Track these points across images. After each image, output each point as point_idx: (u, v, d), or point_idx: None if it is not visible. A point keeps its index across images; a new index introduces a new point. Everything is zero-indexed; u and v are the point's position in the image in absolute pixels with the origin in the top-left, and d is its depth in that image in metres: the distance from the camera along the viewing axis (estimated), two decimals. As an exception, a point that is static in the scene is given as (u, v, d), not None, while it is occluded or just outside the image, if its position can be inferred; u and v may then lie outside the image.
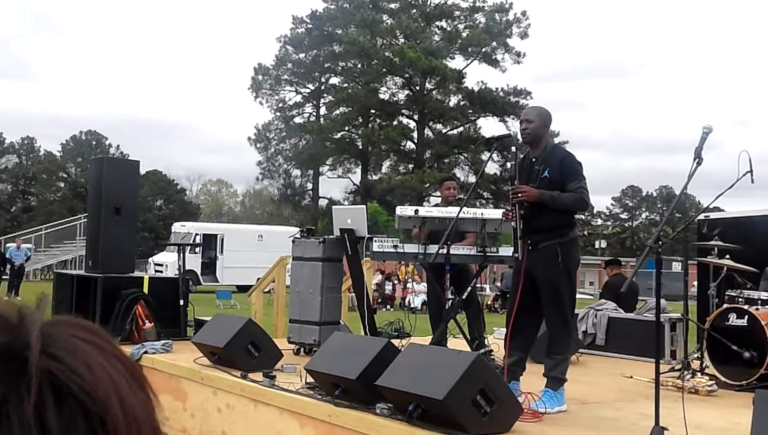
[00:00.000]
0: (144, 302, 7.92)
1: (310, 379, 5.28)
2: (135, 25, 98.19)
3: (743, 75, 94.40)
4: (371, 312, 7.45)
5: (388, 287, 25.82)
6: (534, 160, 5.24)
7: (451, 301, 6.58)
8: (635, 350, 7.74)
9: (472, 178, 44.14)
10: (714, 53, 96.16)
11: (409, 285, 23.33)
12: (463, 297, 6.83)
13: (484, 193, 46.23)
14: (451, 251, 6.36)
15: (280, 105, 51.64)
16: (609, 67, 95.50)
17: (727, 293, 6.97)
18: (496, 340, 7.46)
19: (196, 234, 30.97)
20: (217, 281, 30.74)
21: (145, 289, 8.19)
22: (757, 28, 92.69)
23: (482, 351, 6.54)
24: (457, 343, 7.12)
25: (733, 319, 6.41)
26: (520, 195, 5.08)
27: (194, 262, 29.45)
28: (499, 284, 24.64)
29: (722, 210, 9.03)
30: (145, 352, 7.07)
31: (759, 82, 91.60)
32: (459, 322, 6.98)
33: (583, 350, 7.90)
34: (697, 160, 4.25)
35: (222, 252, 31.64)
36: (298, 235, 7.70)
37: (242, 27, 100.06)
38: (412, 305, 20.23)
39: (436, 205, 7.84)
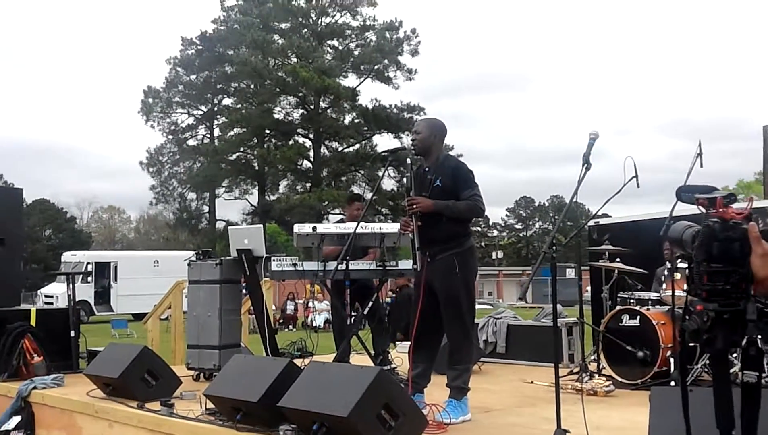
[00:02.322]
0: (31, 335, 7.55)
1: (211, 405, 5.12)
2: (17, 46, 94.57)
3: (622, 86, 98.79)
4: (272, 333, 7.32)
5: (290, 307, 25.59)
6: (427, 169, 5.28)
7: (353, 316, 6.53)
8: (535, 356, 7.90)
9: (370, 195, 44.36)
10: (594, 66, 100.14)
11: (310, 304, 23.16)
12: (365, 312, 6.80)
13: (383, 210, 46.54)
14: (351, 266, 6.32)
15: (173, 128, 50.78)
16: (497, 82, 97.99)
17: (619, 295, 7.18)
18: (399, 354, 7.45)
19: (88, 263, 30.04)
20: (112, 310, 29.87)
21: (33, 322, 7.82)
22: (632, 41, 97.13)
23: (386, 366, 6.51)
24: (361, 359, 7.07)
25: (626, 320, 6.61)
26: (415, 206, 5.09)
27: (87, 291, 28.57)
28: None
29: (610, 216, 9.32)
30: (35, 388, 6.73)
31: (636, 93, 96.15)
32: (361, 337, 6.93)
33: (484, 359, 7.99)
34: (585, 165, 4.34)
35: (116, 280, 30.79)
36: (193, 258, 7.50)
37: (130, 49, 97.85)
38: (314, 324, 20.08)
39: (341, 221, 7.79)
